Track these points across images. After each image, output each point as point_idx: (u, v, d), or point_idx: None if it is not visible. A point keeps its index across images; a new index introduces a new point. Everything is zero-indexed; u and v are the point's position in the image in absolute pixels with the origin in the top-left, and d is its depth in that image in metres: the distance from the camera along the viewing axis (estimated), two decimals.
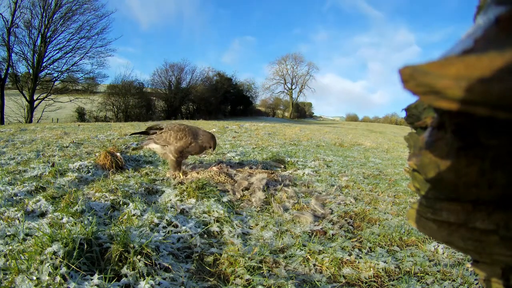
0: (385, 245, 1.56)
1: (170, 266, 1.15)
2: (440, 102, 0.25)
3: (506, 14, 0.24)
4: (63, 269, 0.99)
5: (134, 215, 1.59)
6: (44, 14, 18.20)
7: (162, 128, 2.52)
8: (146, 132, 2.59)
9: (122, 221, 1.55)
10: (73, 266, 1.01)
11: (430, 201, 0.42)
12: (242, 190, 2.21)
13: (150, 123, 9.98)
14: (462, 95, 0.23)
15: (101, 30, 20.33)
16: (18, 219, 1.45)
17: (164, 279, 1.08)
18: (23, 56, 18.06)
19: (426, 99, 0.26)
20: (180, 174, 2.46)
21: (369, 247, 1.51)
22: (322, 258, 1.33)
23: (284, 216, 1.84)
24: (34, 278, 0.96)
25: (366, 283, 1.21)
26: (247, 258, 1.25)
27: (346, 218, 1.87)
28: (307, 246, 1.43)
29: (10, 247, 1.14)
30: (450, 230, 0.39)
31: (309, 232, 1.62)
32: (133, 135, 2.75)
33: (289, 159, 3.52)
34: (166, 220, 1.51)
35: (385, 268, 1.30)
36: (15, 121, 17.66)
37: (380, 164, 4.11)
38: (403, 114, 0.54)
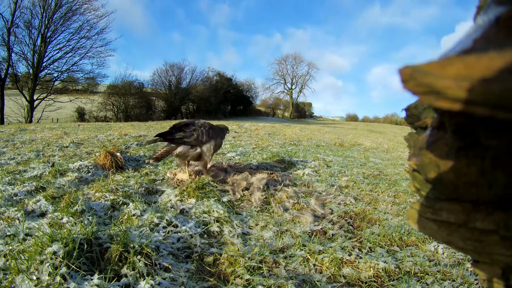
0: (385, 245, 1.56)
1: (170, 266, 1.15)
2: (440, 102, 0.25)
3: (506, 14, 0.24)
4: (63, 269, 0.99)
5: (134, 215, 1.58)
6: (44, 14, 18.19)
7: (188, 124, 2.23)
8: (169, 133, 2.16)
9: (122, 221, 1.55)
10: (73, 266, 1.01)
11: (430, 201, 0.42)
12: (242, 190, 2.21)
13: (150, 123, 9.97)
14: (462, 95, 0.23)
15: (101, 30, 20.31)
16: (18, 219, 1.45)
17: (164, 279, 1.08)
18: (23, 56, 18.06)
19: (426, 99, 0.26)
20: (208, 173, 2.35)
21: (369, 247, 1.50)
22: (322, 258, 1.33)
23: (284, 216, 1.84)
24: (34, 278, 0.96)
25: (366, 283, 1.21)
26: (247, 258, 1.25)
27: (346, 218, 1.87)
28: (307, 246, 1.43)
29: (10, 247, 1.14)
30: (450, 230, 0.39)
31: (309, 232, 1.62)
32: (156, 138, 2.16)
33: (289, 159, 3.52)
34: (166, 220, 1.51)
35: (385, 268, 1.29)
36: (15, 121, 17.65)
37: (380, 164, 4.11)
38: (403, 114, 0.54)
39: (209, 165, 2.44)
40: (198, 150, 2.22)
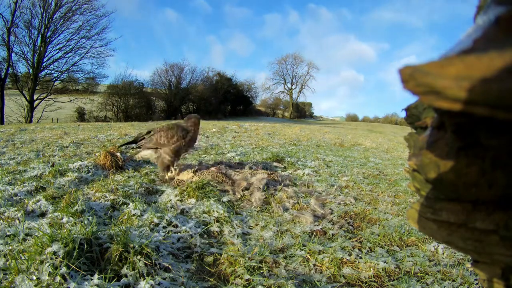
0: (385, 245, 1.56)
1: (170, 266, 1.15)
2: (440, 102, 0.25)
3: (506, 14, 0.24)
4: (63, 269, 0.99)
5: (134, 215, 1.58)
6: (44, 14, 18.18)
7: (150, 132, 2.42)
8: (134, 141, 2.47)
9: (122, 221, 1.55)
10: (73, 266, 1.01)
11: (430, 201, 0.42)
12: (242, 190, 2.21)
13: (150, 123, 9.99)
14: (462, 95, 0.23)
15: (101, 30, 20.28)
16: (18, 219, 1.45)
17: (164, 279, 1.08)
18: (23, 56, 18.05)
19: (426, 99, 0.26)
20: (169, 173, 2.39)
21: (369, 247, 1.50)
22: (322, 258, 1.33)
23: (284, 216, 1.84)
24: (34, 278, 0.96)
25: (366, 283, 1.21)
26: (247, 258, 1.25)
27: (346, 218, 1.87)
28: (307, 246, 1.43)
29: (10, 247, 1.14)
30: (450, 230, 0.39)
31: (309, 232, 1.62)
32: (124, 146, 2.73)
33: (289, 159, 3.52)
34: (166, 220, 1.51)
35: (385, 268, 1.29)
36: (15, 121, 17.64)
37: (380, 164, 4.11)
38: (403, 114, 0.54)
39: (175, 165, 2.43)
40: (159, 153, 2.34)
